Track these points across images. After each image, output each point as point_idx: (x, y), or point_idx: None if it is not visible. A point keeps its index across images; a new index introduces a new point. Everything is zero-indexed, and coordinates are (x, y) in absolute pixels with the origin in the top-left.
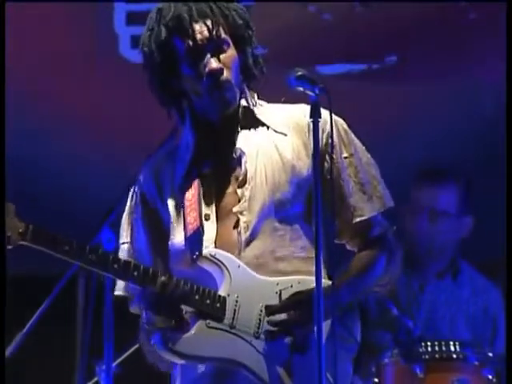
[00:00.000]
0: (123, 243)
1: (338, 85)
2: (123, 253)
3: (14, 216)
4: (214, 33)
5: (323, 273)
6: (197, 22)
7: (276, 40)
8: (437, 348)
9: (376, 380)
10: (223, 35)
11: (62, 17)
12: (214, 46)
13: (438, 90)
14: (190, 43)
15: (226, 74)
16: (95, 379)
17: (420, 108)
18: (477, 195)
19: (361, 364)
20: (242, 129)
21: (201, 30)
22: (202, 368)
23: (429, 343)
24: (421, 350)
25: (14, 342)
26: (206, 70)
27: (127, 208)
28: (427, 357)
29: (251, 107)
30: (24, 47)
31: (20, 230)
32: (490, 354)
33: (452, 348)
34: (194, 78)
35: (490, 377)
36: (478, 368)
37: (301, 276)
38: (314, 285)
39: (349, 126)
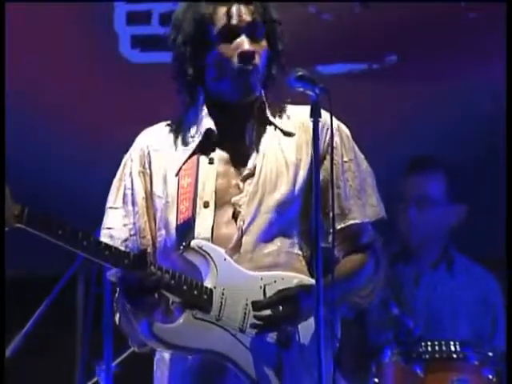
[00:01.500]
0: (110, 208)
1: (338, 85)
2: (110, 218)
3: (10, 199)
4: (255, 18)
5: (310, 272)
6: (240, 2)
7: None
8: (437, 348)
9: (376, 380)
10: (261, 24)
11: (62, 17)
12: (251, 31)
13: (438, 90)
14: (230, 21)
15: (257, 59)
16: (95, 379)
17: (420, 108)
18: (477, 195)
19: (361, 364)
20: (253, 123)
21: (243, 11)
22: (189, 362)
23: (429, 343)
24: (421, 350)
25: (13, 342)
26: (239, 50)
27: (119, 174)
28: (427, 356)
29: (265, 104)
30: (24, 47)
31: (16, 213)
32: (490, 354)
33: (452, 348)
34: (224, 57)
35: (490, 376)
36: (478, 368)
37: (285, 272)
38: (296, 281)
39: (349, 127)
